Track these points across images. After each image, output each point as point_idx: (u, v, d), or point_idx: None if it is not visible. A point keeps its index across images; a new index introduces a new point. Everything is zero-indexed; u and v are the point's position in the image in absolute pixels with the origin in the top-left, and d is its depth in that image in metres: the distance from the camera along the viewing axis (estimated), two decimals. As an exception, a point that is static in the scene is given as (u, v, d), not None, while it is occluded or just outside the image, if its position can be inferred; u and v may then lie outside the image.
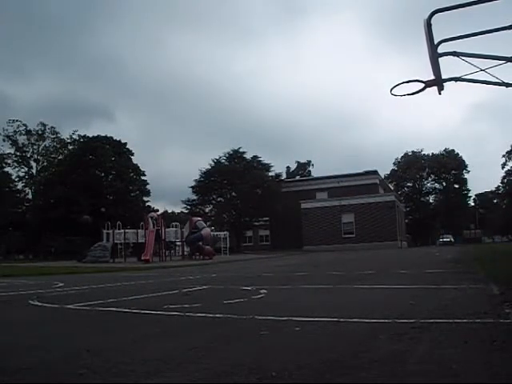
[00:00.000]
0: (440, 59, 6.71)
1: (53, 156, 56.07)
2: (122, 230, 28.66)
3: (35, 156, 55.02)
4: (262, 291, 7.44)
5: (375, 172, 54.49)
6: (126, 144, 54.15)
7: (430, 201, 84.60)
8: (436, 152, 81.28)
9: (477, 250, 24.45)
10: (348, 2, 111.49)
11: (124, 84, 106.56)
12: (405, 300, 5.75)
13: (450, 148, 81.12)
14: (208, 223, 39.04)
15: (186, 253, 30.90)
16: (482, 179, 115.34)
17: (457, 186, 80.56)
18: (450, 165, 78.01)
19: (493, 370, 2.63)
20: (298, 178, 69.86)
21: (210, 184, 49.54)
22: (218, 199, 52.04)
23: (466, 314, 4.48)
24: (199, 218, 32.82)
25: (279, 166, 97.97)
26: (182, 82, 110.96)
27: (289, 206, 48.51)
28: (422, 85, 7.03)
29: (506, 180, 74.44)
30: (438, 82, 6.91)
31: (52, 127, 55.06)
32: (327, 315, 4.68)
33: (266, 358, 3.11)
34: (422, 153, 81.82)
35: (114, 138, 53.22)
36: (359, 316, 4.57)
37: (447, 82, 7.00)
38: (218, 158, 52.56)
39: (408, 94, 7.24)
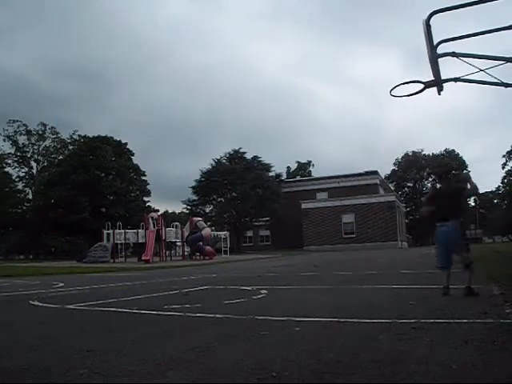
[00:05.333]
0: (439, 60, 6.72)
1: (53, 156, 56.12)
2: (123, 230, 28.67)
3: (35, 156, 55.07)
4: (262, 291, 7.45)
5: (375, 172, 54.49)
6: (126, 144, 54.19)
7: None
8: (436, 152, 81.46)
9: (477, 251, 24.42)
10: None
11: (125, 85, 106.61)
12: (405, 300, 5.75)
13: (451, 148, 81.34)
14: (208, 223, 39.03)
15: (186, 253, 30.91)
16: (482, 179, 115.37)
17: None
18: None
19: (493, 370, 2.63)
20: (298, 178, 69.88)
21: (211, 184, 49.51)
22: (219, 199, 52.03)
23: (466, 314, 4.49)
24: (199, 219, 32.83)
25: (279, 166, 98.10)
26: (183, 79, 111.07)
27: (289, 206, 48.54)
28: (422, 85, 7.04)
29: (506, 180, 74.40)
30: (438, 83, 6.92)
31: (52, 127, 55.20)
32: (327, 315, 4.68)
33: (266, 358, 3.11)
34: (423, 153, 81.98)
35: (114, 138, 53.29)
36: (359, 316, 4.58)
37: (447, 83, 7.01)
38: (218, 158, 52.68)
39: (408, 95, 7.26)
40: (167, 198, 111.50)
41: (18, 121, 53.59)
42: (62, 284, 11.29)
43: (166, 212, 62.32)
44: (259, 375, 2.69)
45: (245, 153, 52.82)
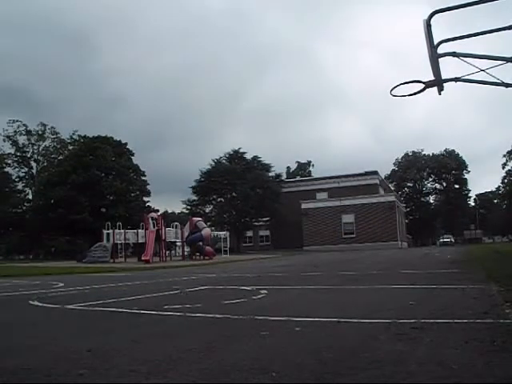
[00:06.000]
0: (440, 60, 6.72)
1: (53, 156, 56.14)
2: (122, 231, 28.66)
3: (35, 156, 55.14)
4: (262, 291, 7.44)
5: (375, 172, 54.53)
6: (126, 144, 54.14)
7: (431, 201, 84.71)
8: (436, 152, 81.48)
9: (477, 251, 24.44)
10: None
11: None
12: (405, 300, 5.75)
13: (451, 148, 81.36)
14: (208, 223, 39.00)
15: (186, 253, 30.90)
16: (482, 179, 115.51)
17: (457, 187, 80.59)
18: (450, 165, 78.06)
19: (493, 370, 2.63)
20: (298, 178, 69.90)
21: (211, 184, 49.53)
22: (219, 199, 52.04)
23: (466, 313, 4.48)
24: (199, 219, 32.81)
25: (279, 166, 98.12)
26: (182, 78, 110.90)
27: (289, 206, 48.56)
28: (422, 85, 7.04)
29: (506, 180, 74.39)
30: (438, 83, 6.92)
31: (52, 127, 55.22)
32: (327, 315, 4.68)
33: (266, 358, 3.11)
34: (423, 153, 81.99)
35: (114, 138, 53.25)
36: (359, 316, 4.57)
37: (447, 83, 7.02)
38: (218, 158, 52.72)
39: (408, 95, 7.26)
40: (167, 198, 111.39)
41: (17, 121, 53.74)
42: (61, 284, 11.29)
43: (166, 212, 62.30)
44: (259, 375, 2.68)
45: (245, 153, 52.92)
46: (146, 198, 54.30)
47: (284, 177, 62.10)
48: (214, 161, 52.24)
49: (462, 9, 6.46)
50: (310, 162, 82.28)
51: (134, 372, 2.87)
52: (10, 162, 54.20)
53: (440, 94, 7.13)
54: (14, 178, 54.23)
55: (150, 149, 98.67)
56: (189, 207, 52.19)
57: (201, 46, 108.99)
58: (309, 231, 47.94)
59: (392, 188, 69.85)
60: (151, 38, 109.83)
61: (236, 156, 52.81)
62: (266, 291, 7.49)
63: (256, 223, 52.60)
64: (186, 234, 29.63)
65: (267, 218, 52.33)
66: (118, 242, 28.39)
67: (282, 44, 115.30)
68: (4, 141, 53.18)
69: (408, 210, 73.00)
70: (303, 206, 48.98)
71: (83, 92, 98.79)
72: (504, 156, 71.69)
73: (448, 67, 7.13)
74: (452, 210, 76.10)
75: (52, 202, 47.72)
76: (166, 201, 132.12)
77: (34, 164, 55.23)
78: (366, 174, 53.19)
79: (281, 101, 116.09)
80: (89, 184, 46.27)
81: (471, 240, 65.12)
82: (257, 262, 24.83)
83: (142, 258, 25.16)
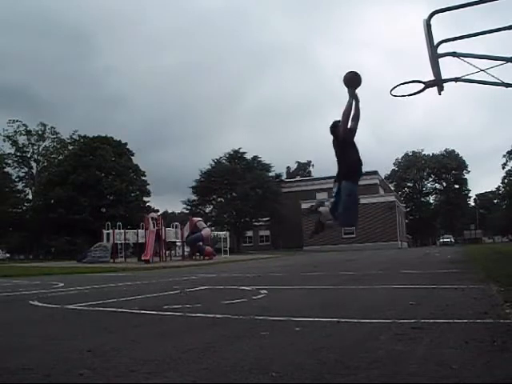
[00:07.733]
0: (440, 60, 6.72)
1: (53, 156, 56.12)
2: (122, 231, 28.64)
3: (35, 156, 55.11)
4: (262, 291, 7.44)
5: (375, 172, 54.55)
6: (126, 144, 54.08)
7: (431, 201, 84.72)
8: (436, 152, 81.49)
9: (477, 251, 24.44)
10: None
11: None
12: (405, 300, 5.75)
13: (451, 148, 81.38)
14: (208, 223, 38.99)
15: (186, 253, 30.89)
16: (482, 179, 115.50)
17: (457, 187, 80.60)
18: (450, 165, 78.06)
19: (493, 370, 2.63)
20: (298, 178, 69.91)
21: (211, 184, 49.56)
22: (219, 199, 52.08)
23: (466, 314, 4.48)
24: (199, 219, 32.81)
25: (279, 166, 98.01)
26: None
27: (289, 206, 48.57)
28: (422, 85, 7.05)
29: (506, 180, 74.40)
30: (438, 83, 6.92)
31: (52, 127, 55.22)
32: (327, 315, 4.68)
33: (266, 358, 3.11)
34: (423, 153, 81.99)
35: (114, 138, 53.19)
36: (359, 316, 4.57)
37: (447, 82, 7.02)
38: (218, 158, 52.75)
39: (408, 95, 7.26)
40: (167, 198, 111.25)
41: (17, 121, 53.74)
42: (61, 284, 11.28)
43: (166, 212, 62.29)
44: (259, 375, 2.68)
45: (245, 153, 52.97)
46: (146, 198, 54.25)
47: (284, 177, 62.16)
48: (214, 161, 52.35)
49: (461, 9, 6.46)
50: (309, 162, 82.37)
51: (134, 372, 2.87)
52: (10, 161, 54.23)
53: (440, 94, 7.13)
54: (14, 177, 54.28)
55: (149, 149, 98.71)
56: (189, 207, 52.24)
57: (201, 46, 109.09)
58: (308, 231, 47.91)
59: (392, 188, 69.89)
60: (151, 37, 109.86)
61: (236, 156, 52.85)
62: (266, 291, 7.49)
63: (256, 223, 52.62)
64: (185, 234, 29.62)
65: (267, 218, 52.35)
66: (118, 242, 28.35)
67: (282, 44, 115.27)
68: (4, 141, 53.24)
69: (408, 209, 73.02)
70: (303, 205, 48.97)
71: (83, 92, 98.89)
72: (504, 156, 71.79)
73: (448, 67, 7.13)
74: (452, 210, 76.14)
75: (52, 202, 47.69)
76: (166, 201, 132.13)
77: (34, 164, 55.25)
78: (366, 173, 53.08)
79: (281, 101, 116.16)
80: (89, 184, 46.24)
81: (471, 240, 65.16)
82: (257, 262, 24.82)
83: (142, 258, 25.16)
